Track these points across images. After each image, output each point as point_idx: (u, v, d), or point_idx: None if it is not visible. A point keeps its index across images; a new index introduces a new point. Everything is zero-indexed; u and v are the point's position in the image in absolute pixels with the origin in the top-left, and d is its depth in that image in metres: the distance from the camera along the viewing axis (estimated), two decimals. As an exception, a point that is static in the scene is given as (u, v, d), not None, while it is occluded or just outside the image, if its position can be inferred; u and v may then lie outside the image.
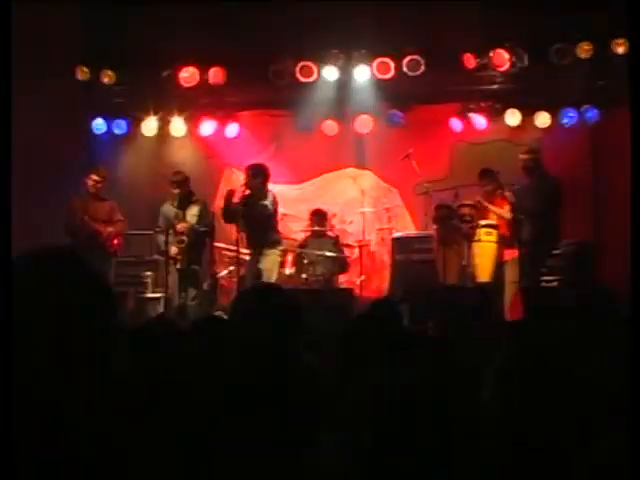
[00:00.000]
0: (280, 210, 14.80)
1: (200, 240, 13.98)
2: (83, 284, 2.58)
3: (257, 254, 13.94)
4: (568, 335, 5.49)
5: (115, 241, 14.24)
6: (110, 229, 14.13)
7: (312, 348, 5.27)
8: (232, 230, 14.29)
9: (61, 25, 15.68)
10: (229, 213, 13.58)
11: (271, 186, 14.28)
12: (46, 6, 14.89)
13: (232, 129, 17.22)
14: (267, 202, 13.75)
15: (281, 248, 14.32)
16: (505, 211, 13.64)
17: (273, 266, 14.00)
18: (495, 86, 16.15)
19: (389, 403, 3.17)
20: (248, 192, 13.59)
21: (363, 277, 15.72)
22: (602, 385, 4.25)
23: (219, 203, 15.17)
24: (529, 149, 13.76)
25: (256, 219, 13.72)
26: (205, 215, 14.02)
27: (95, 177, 14.20)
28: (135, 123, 17.13)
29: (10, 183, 3.24)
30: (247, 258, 14.30)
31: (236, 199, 13.74)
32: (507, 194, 13.65)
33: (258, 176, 13.66)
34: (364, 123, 16.81)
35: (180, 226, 13.81)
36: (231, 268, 15.02)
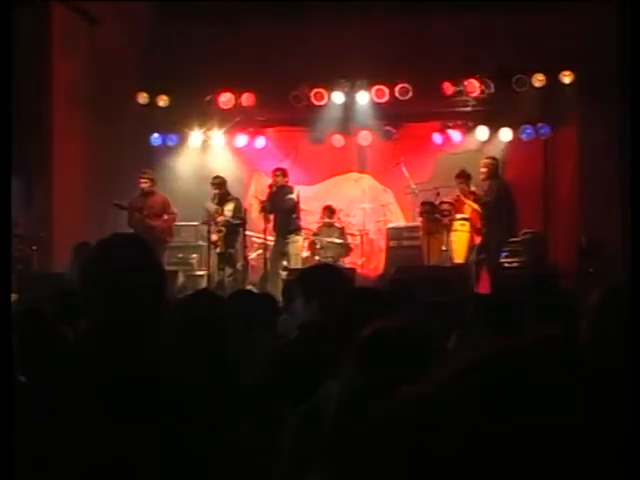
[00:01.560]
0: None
1: (235, 230, 14.09)
2: (148, 258, 2.67)
3: (283, 239, 14.16)
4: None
5: (167, 230, 14.26)
6: (162, 221, 14.15)
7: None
8: (260, 222, 14.48)
9: (124, 59, 15.84)
10: (263, 207, 14.04)
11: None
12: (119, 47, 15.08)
13: (260, 142, 17.25)
14: (293, 196, 14.10)
15: (302, 234, 14.53)
16: (475, 204, 13.69)
17: (298, 251, 14.24)
18: (468, 108, 16.14)
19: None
20: (274, 189, 14.10)
21: (364, 259, 15.83)
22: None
23: (251, 201, 15.31)
24: (488, 157, 13.79)
25: (284, 210, 14.02)
26: (239, 210, 14.13)
27: (144, 178, 14.19)
28: (184, 137, 17.21)
29: (10, 184, 3.17)
30: (271, 243, 14.45)
31: (264, 196, 14.12)
32: (475, 190, 13.74)
33: (281, 175, 14.07)
34: (364, 137, 16.83)
35: (219, 219, 13.94)
36: (259, 251, 15.14)
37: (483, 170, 13.50)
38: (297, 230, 14.36)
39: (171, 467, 2.38)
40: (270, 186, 14.31)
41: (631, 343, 2.31)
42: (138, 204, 13.98)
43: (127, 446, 2.35)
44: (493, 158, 13.73)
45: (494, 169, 13.51)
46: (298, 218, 14.45)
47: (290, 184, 14.47)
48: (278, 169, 14.53)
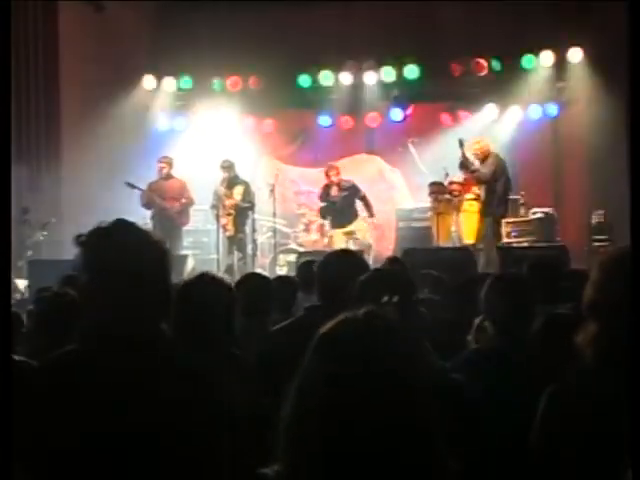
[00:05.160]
0: (307, 188, 15.02)
1: (244, 213, 14.08)
2: (143, 245, 2.62)
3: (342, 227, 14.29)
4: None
5: (182, 214, 14.25)
6: (179, 204, 14.16)
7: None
8: (269, 205, 14.52)
9: (131, 43, 15.86)
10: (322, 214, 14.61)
11: (298, 169, 14.42)
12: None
13: (268, 124, 17.26)
14: (359, 194, 14.52)
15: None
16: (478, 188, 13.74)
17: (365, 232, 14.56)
18: (476, 88, 16.13)
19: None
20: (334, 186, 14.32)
21: (373, 240, 15.80)
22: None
23: (259, 185, 15.26)
24: (478, 140, 13.73)
25: (347, 205, 14.37)
26: (248, 194, 14.13)
27: (162, 162, 14.24)
28: (191, 121, 17.22)
29: (10, 183, 3.12)
30: (280, 227, 14.44)
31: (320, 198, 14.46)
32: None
33: (335, 173, 14.51)
34: (373, 118, 16.83)
35: (228, 203, 13.93)
36: (268, 235, 15.16)
37: (477, 154, 13.47)
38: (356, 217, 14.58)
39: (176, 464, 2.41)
40: (326, 186, 14.38)
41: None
42: (155, 187, 14.02)
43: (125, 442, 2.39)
44: (480, 142, 13.66)
45: (487, 148, 13.46)
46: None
47: (346, 178, 14.59)
48: (332, 167, 14.61)
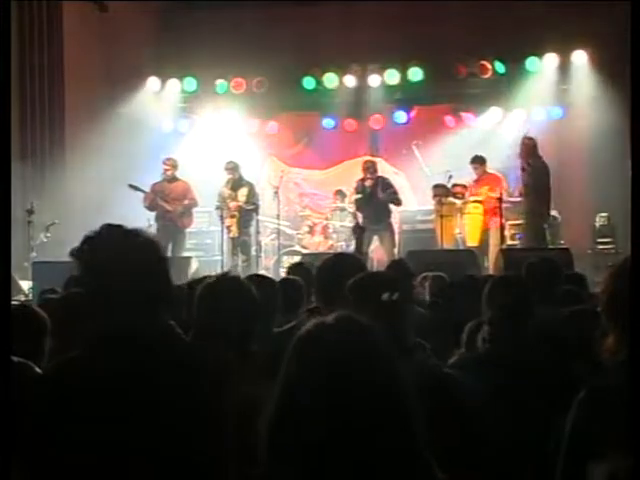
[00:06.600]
0: (311, 190, 14.92)
1: (248, 215, 14.07)
2: (130, 246, 2.65)
3: (374, 225, 13.86)
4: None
5: (185, 216, 14.22)
6: (182, 206, 14.15)
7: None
8: (273, 207, 14.52)
9: (135, 45, 15.88)
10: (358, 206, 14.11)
11: (303, 172, 14.32)
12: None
13: (272, 126, 17.28)
14: (394, 189, 14.08)
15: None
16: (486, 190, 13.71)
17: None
18: (480, 90, 16.14)
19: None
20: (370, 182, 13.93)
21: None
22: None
23: (263, 187, 15.25)
24: (530, 136, 13.60)
25: (382, 202, 13.93)
26: (252, 195, 14.12)
27: (167, 164, 14.23)
28: (195, 122, 17.22)
29: (10, 183, 3.14)
30: (284, 229, 14.37)
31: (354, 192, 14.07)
32: (497, 175, 13.79)
33: (372, 168, 14.11)
34: (377, 121, 16.84)
35: (233, 204, 13.92)
36: (272, 236, 15.16)
37: (524, 149, 13.31)
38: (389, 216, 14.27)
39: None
40: (362, 180, 14.09)
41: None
42: (159, 189, 14.01)
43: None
44: (530, 138, 13.51)
45: (534, 148, 13.33)
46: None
47: (384, 175, 14.42)
48: (369, 161, 14.43)
